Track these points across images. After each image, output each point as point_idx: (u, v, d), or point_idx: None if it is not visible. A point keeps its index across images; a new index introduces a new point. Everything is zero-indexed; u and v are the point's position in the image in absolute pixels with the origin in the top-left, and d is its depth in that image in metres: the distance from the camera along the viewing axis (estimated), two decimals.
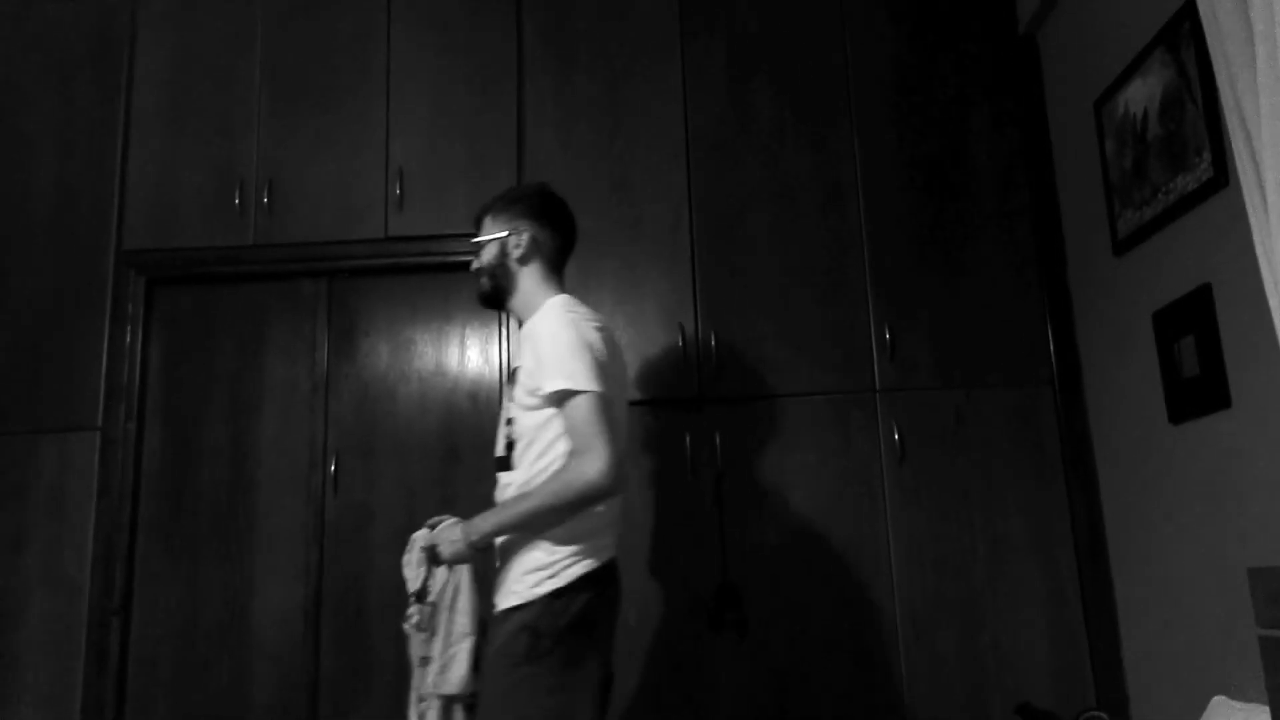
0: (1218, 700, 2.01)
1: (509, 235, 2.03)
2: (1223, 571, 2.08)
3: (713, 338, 2.83)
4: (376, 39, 3.08)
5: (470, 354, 2.97)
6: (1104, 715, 2.40)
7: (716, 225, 2.91)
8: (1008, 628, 2.64)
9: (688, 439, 2.77)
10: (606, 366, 1.86)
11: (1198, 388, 2.16)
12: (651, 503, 2.74)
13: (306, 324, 2.98)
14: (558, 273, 2.08)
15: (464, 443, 2.88)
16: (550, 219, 2.07)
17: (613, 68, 3.02)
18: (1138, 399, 2.44)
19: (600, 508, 1.84)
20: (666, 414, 2.80)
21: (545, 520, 1.81)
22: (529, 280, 2.03)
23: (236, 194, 2.97)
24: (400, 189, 2.97)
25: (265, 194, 2.96)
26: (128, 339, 2.93)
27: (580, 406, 1.79)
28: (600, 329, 1.93)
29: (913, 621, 2.65)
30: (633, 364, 2.77)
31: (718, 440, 2.77)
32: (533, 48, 3.04)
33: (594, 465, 1.75)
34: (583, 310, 1.95)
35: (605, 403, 1.81)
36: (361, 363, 2.97)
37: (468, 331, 2.99)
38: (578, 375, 1.80)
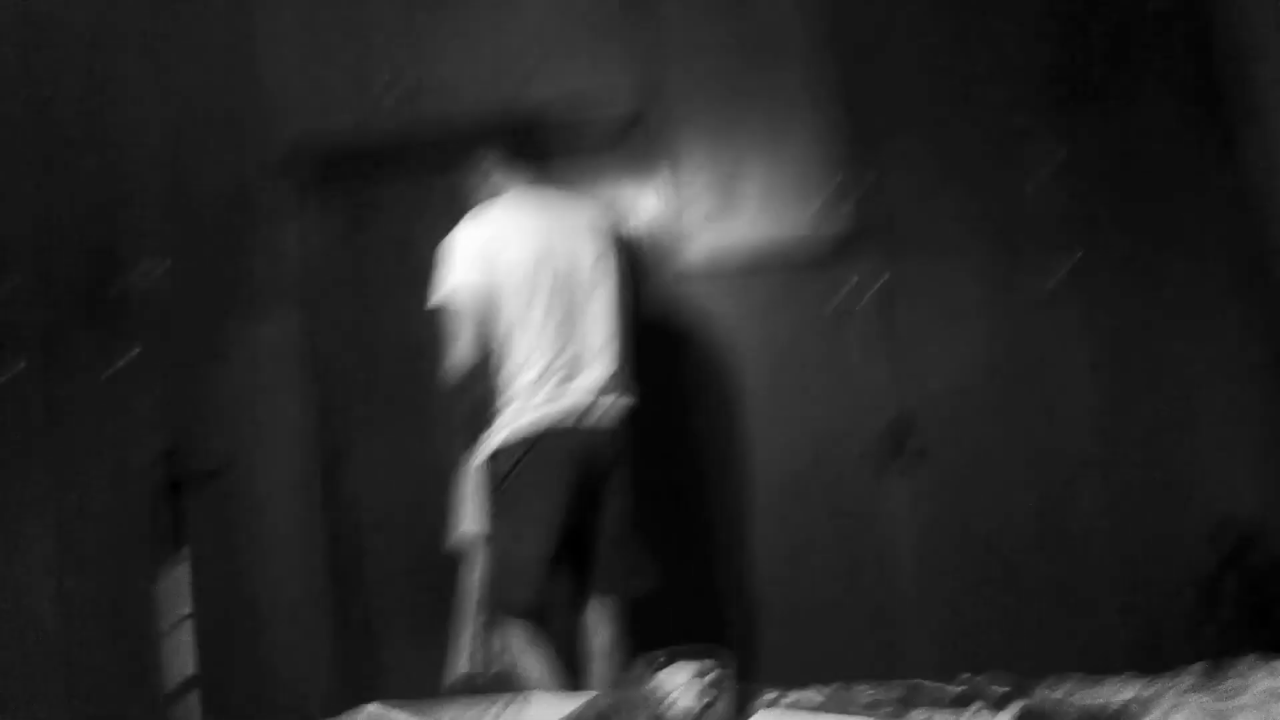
0: None
1: None
2: None
3: (861, 188, 2.75)
4: None
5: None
6: None
7: (857, 58, 2.77)
8: (1205, 448, 2.53)
9: (851, 272, 2.73)
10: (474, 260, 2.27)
11: None
12: (822, 350, 2.74)
13: (464, 201, 2.90)
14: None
15: None
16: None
17: None
18: None
19: (510, 390, 2.26)
20: (823, 266, 2.75)
21: None
22: None
23: (377, 78, 2.96)
24: (533, 57, 2.92)
25: (403, 74, 2.94)
26: (300, 223, 3.05)
27: None
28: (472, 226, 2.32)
29: (1102, 443, 2.60)
30: (783, 218, 2.76)
31: (876, 288, 2.72)
32: None
33: None
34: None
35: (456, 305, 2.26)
36: None
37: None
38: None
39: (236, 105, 3.06)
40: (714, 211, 2.77)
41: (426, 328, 2.84)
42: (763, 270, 2.73)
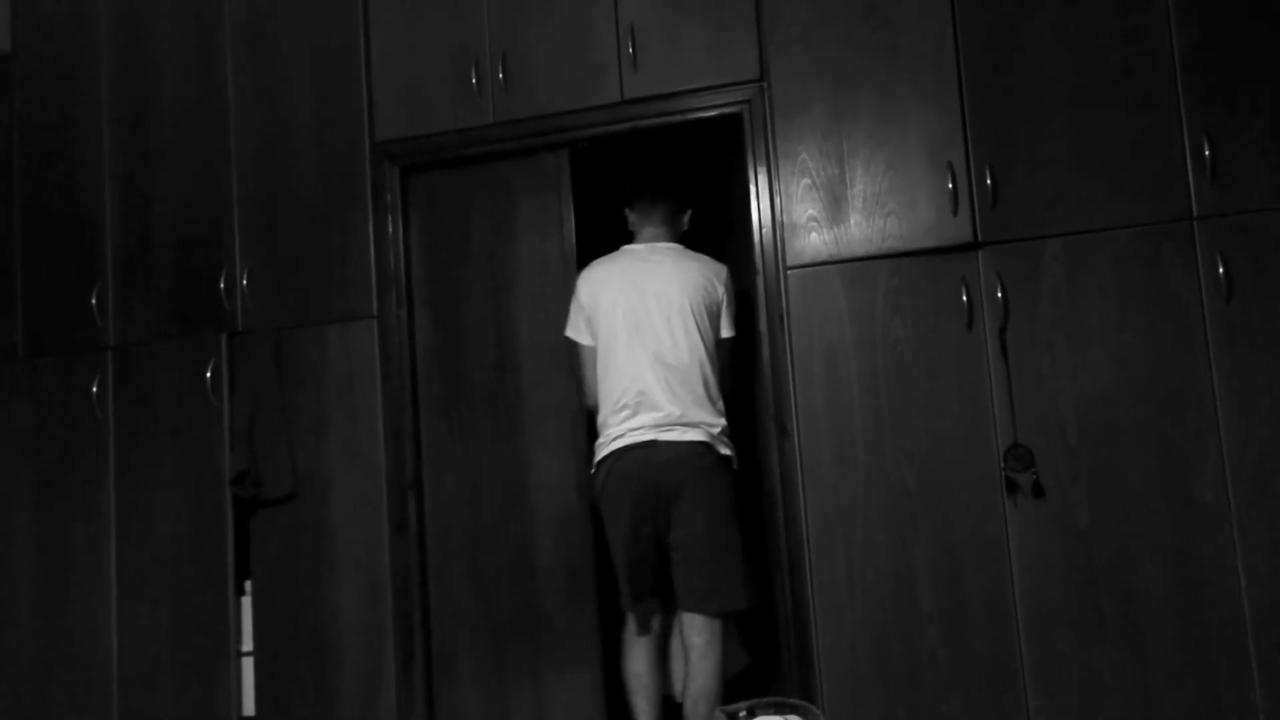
0: None
1: None
2: None
3: (987, 172, 2.51)
4: None
5: None
6: None
7: (987, 40, 2.54)
8: None
9: (964, 289, 2.50)
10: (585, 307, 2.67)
11: None
12: (926, 362, 2.52)
13: (551, 199, 2.91)
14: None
15: None
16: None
17: None
18: None
19: (600, 417, 2.61)
20: (937, 263, 2.53)
21: None
22: None
23: (473, 73, 2.87)
24: (633, 47, 2.80)
25: (500, 70, 2.86)
26: (389, 228, 2.94)
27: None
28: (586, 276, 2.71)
29: (1249, 479, 2.30)
30: (896, 209, 2.56)
31: (999, 289, 2.48)
32: None
33: None
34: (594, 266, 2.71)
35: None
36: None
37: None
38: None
39: (333, 103, 3.01)
40: (824, 210, 2.61)
41: (509, 345, 2.85)
42: (873, 275, 2.55)
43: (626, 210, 2.78)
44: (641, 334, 2.53)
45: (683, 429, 2.48)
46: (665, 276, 2.57)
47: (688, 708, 2.45)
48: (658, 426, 2.48)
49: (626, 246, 2.72)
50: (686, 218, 2.78)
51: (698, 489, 2.46)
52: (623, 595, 2.56)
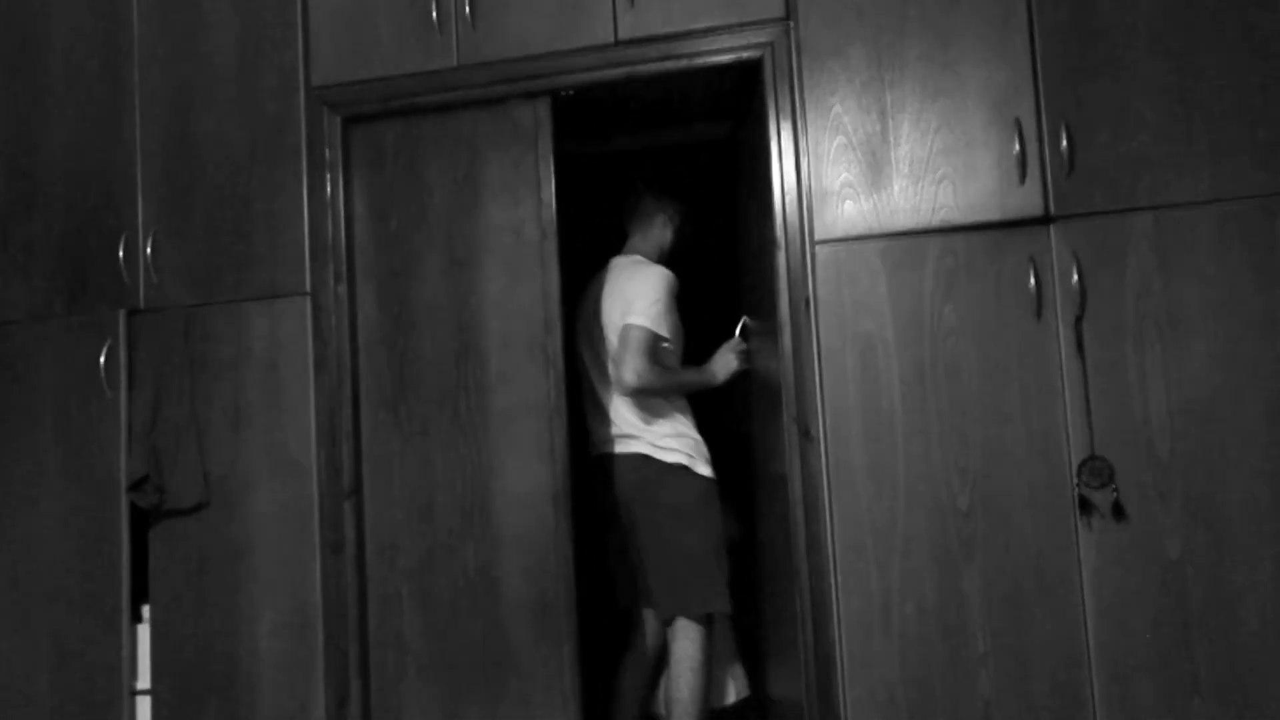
0: None
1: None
2: None
3: (1063, 133, 2.22)
4: None
5: None
6: None
7: None
8: None
9: (1032, 271, 2.22)
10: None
11: None
12: (984, 357, 2.24)
13: (527, 156, 2.61)
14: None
15: None
16: None
17: None
18: None
19: None
20: (1000, 239, 2.25)
21: None
22: None
23: (433, 6, 2.59)
24: None
25: (466, 5, 2.59)
26: (327, 189, 2.66)
27: None
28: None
29: None
30: (950, 175, 2.29)
31: (1075, 271, 2.20)
32: None
33: None
34: None
35: None
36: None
37: None
38: None
39: (261, 39, 2.74)
40: (861, 174, 2.35)
41: (472, 330, 2.61)
42: (921, 253, 2.28)
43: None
44: (597, 347, 2.85)
45: (624, 440, 2.75)
46: (609, 295, 2.81)
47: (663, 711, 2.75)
48: (614, 439, 2.79)
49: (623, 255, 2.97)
50: (665, 228, 2.93)
51: (647, 498, 2.70)
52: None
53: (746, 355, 2.77)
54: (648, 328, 2.65)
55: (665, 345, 2.70)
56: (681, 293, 2.82)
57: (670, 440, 2.66)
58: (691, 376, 2.76)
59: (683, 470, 2.65)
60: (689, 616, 2.64)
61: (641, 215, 2.92)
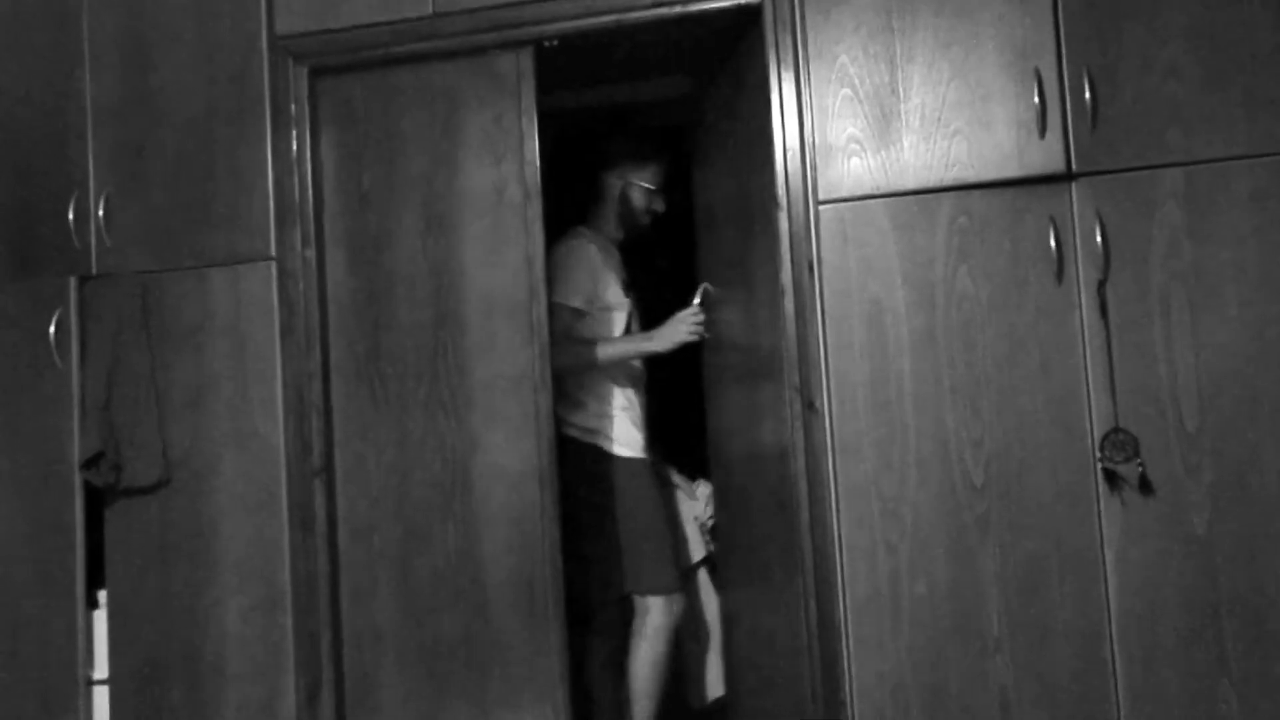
0: None
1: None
2: None
3: (1086, 83, 2.12)
4: None
5: None
6: None
7: None
8: None
9: (1052, 232, 2.14)
10: None
11: None
12: (1001, 323, 2.17)
13: (509, 112, 2.52)
14: None
15: None
16: None
17: None
18: None
19: None
20: (1018, 198, 2.17)
21: None
22: None
23: None
24: None
25: None
26: (293, 147, 2.56)
27: None
28: None
29: None
30: (964, 129, 2.21)
31: (1099, 231, 2.12)
32: None
33: None
34: None
35: None
36: None
37: None
38: None
39: None
40: (868, 129, 2.27)
41: (451, 295, 2.58)
42: (933, 213, 2.20)
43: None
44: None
45: (562, 425, 2.68)
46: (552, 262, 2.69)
47: None
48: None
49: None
50: (606, 204, 2.84)
51: (573, 484, 2.63)
52: None
53: (706, 324, 2.63)
54: (552, 302, 2.57)
55: (578, 310, 2.67)
56: (637, 259, 2.77)
57: (591, 421, 2.66)
58: (621, 346, 2.67)
59: (595, 451, 2.65)
60: (639, 593, 2.66)
61: (589, 188, 2.84)
